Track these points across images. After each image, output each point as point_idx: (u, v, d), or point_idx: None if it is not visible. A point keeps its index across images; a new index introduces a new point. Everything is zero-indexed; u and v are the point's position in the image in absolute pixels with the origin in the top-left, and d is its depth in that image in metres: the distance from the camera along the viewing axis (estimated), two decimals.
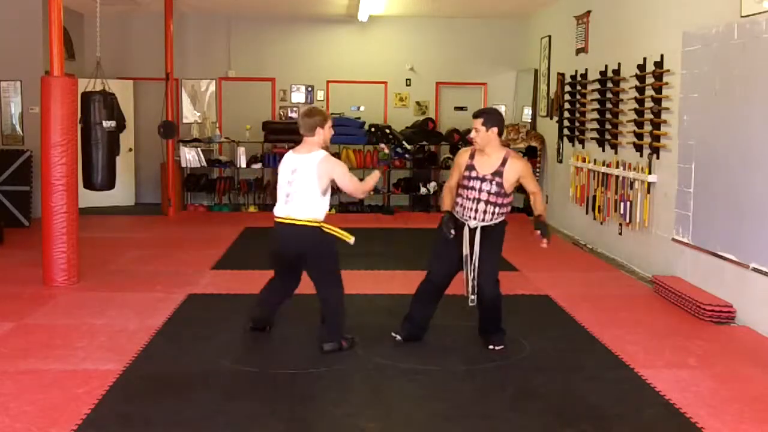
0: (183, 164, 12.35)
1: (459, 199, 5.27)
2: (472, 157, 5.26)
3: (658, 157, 7.60)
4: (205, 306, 6.50)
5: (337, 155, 11.88)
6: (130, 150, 12.66)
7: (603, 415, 4.26)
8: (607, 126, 8.99)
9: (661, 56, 7.49)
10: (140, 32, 12.71)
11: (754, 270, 5.84)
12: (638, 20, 8.28)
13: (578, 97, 10.09)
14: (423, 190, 12.71)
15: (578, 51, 10.17)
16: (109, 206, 12.23)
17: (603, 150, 9.11)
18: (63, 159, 6.84)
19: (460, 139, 12.26)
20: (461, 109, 13.28)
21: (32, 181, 10.35)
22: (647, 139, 7.80)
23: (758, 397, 4.55)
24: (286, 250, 5.20)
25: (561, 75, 10.85)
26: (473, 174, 5.19)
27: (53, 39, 6.90)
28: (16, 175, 10.40)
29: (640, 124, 8.00)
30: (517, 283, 7.29)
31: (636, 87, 8.08)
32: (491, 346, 5.32)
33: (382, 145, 5.82)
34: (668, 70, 7.36)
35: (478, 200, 5.16)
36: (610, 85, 8.91)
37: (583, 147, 9.87)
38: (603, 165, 8.95)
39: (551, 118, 11.41)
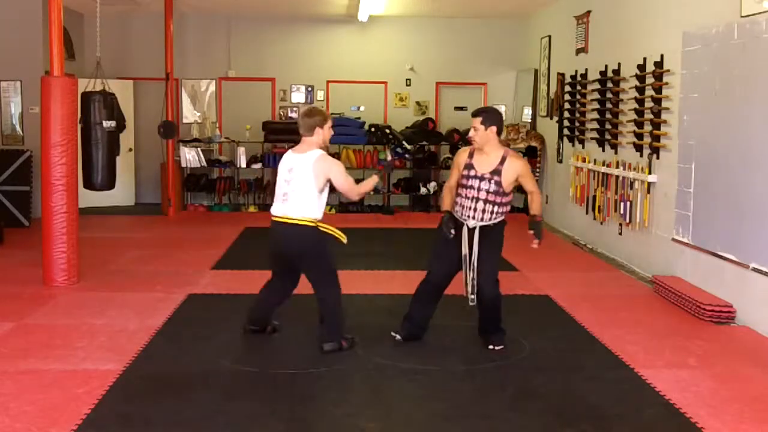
0: (183, 164, 12.35)
1: (458, 199, 5.27)
2: (471, 156, 5.26)
3: (658, 157, 7.60)
4: (205, 306, 6.50)
5: (336, 155, 11.92)
6: (130, 150, 12.66)
7: (603, 415, 4.26)
8: (607, 126, 8.99)
9: (661, 56, 7.49)
10: (140, 32, 12.71)
11: (754, 270, 5.84)
12: (638, 20, 8.28)
13: (578, 97, 10.09)
14: (423, 190, 12.71)
15: (578, 51, 10.17)
16: (109, 206, 12.23)
17: (603, 150, 9.11)
18: (63, 159, 6.84)
19: (460, 139, 12.26)
20: (461, 109, 13.28)
21: (32, 181, 10.35)
22: (647, 139, 7.81)
23: (758, 397, 4.55)
24: (283, 249, 5.21)
25: (561, 75, 10.85)
26: (472, 173, 5.20)
27: (53, 39, 6.90)
28: (16, 175, 10.40)
29: (640, 124, 8.00)
30: (517, 283, 7.29)
31: (636, 87, 8.08)
32: (491, 346, 5.32)
33: (389, 157, 5.82)
34: (668, 70, 7.36)
35: (477, 199, 5.16)
36: (610, 85, 8.91)
37: (583, 147, 9.87)
38: (603, 165, 8.95)
39: (551, 118, 11.41)
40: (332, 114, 12.83)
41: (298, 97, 13.28)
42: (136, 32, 12.77)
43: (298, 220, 5.05)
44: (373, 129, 12.69)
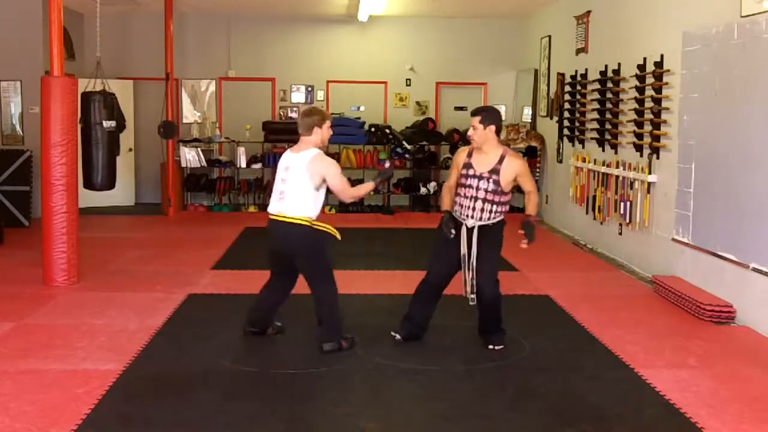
0: (183, 164, 12.35)
1: (457, 198, 5.28)
2: (470, 155, 5.27)
3: (658, 157, 7.61)
4: (205, 306, 6.50)
5: (337, 155, 11.93)
6: (130, 150, 12.66)
7: (603, 415, 4.26)
8: (607, 126, 8.99)
9: (661, 56, 7.49)
10: (140, 32, 12.71)
11: (754, 270, 5.84)
12: (638, 20, 8.28)
13: (578, 97, 10.09)
14: (423, 190, 12.71)
15: (578, 51, 10.17)
16: (109, 206, 12.23)
17: (603, 150, 9.11)
18: (63, 159, 6.84)
19: (460, 139, 12.26)
20: (461, 109, 13.28)
21: (32, 181, 10.35)
22: (647, 139, 7.81)
23: (758, 397, 4.55)
24: (278, 248, 5.23)
25: (561, 75, 10.85)
26: (471, 172, 5.20)
27: (53, 39, 6.90)
28: (16, 175, 10.40)
29: (640, 124, 8.00)
30: (517, 283, 7.29)
31: (636, 87, 8.08)
32: (491, 346, 5.32)
33: (387, 164, 5.78)
34: (668, 70, 7.36)
35: (476, 198, 5.16)
36: (610, 85, 8.91)
37: (583, 147, 9.87)
38: (603, 165, 8.95)
39: (551, 118, 11.42)
40: (332, 114, 12.85)
41: (298, 97, 13.28)
42: (136, 32, 12.77)
43: (293, 218, 5.06)
44: (373, 129, 12.70)
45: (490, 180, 5.14)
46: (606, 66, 9.02)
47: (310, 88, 13.29)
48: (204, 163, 12.50)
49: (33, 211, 10.19)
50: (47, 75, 7.05)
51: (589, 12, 9.83)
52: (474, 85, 13.44)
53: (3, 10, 10.73)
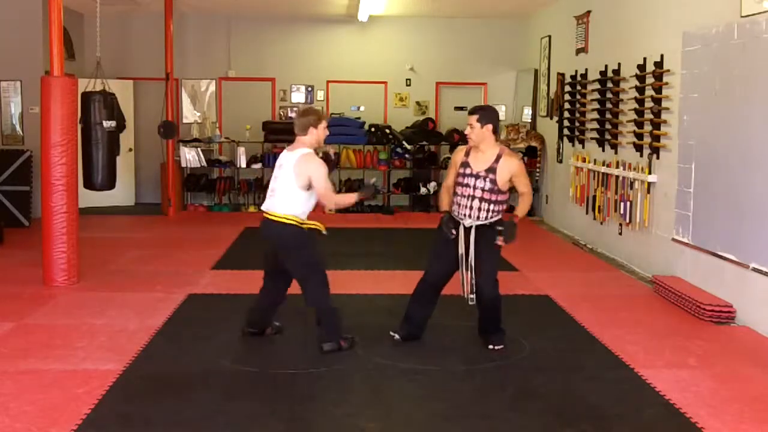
0: (183, 164, 12.35)
1: (455, 198, 5.28)
2: (467, 154, 5.27)
3: (658, 157, 7.61)
4: (205, 306, 6.50)
5: (337, 155, 11.92)
6: (130, 150, 12.66)
7: (603, 415, 4.26)
8: (607, 126, 8.99)
9: (661, 56, 7.49)
10: (140, 32, 12.71)
11: (754, 270, 5.84)
12: (638, 20, 8.28)
13: (578, 97, 10.09)
14: (423, 190, 12.71)
15: (578, 51, 10.17)
16: (109, 206, 12.23)
17: (603, 150, 9.11)
18: (63, 159, 6.84)
19: (460, 139, 12.25)
20: (461, 109, 13.28)
21: (32, 181, 10.35)
22: (647, 139, 7.81)
23: (758, 397, 4.55)
24: (269, 245, 5.25)
25: (561, 75, 10.85)
26: (468, 171, 5.20)
27: (53, 39, 6.90)
28: (16, 175, 10.40)
29: (640, 124, 8.00)
30: (517, 283, 7.29)
31: (636, 87, 8.08)
32: (491, 346, 5.32)
33: (372, 180, 5.75)
34: (668, 70, 7.36)
35: (473, 197, 5.16)
36: (610, 85, 8.91)
37: (583, 147, 9.87)
38: (603, 165, 8.95)
39: (551, 118, 11.42)
40: (332, 114, 12.88)
41: (298, 97, 13.28)
42: (136, 32, 12.77)
43: (280, 216, 5.07)
44: (373, 129, 12.69)
45: (487, 179, 5.13)
46: (606, 66, 9.02)
47: (310, 88, 13.29)
48: (204, 163, 12.50)
49: (33, 211, 10.19)
50: (47, 75, 7.05)
51: (589, 12, 9.83)
52: (474, 85, 13.44)
53: (3, 10, 10.73)
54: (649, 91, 7.76)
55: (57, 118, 6.82)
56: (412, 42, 13.32)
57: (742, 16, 6.04)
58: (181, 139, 12.49)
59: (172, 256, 8.58)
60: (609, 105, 8.94)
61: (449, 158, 12.32)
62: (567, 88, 10.56)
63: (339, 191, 12.60)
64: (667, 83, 7.40)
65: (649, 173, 7.71)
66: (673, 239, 7.11)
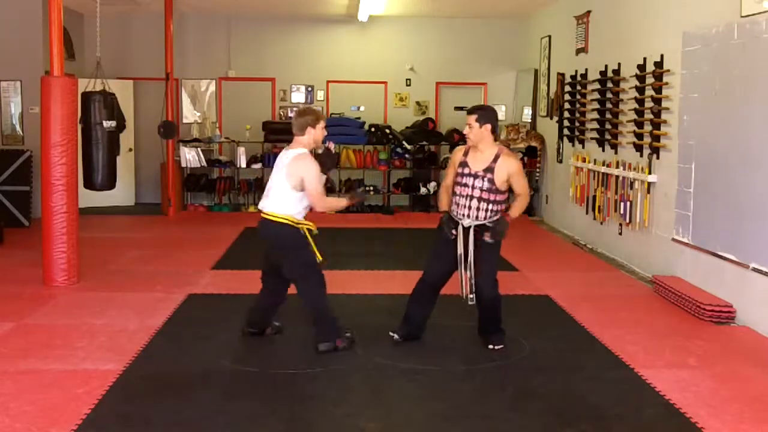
0: (183, 164, 12.35)
1: (454, 198, 5.28)
2: (465, 154, 5.28)
3: (658, 157, 7.61)
4: (205, 306, 6.50)
5: (337, 155, 11.91)
6: (130, 150, 12.66)
7: (603, 415, 4.26)
8: (607, 126, 9.00)
9: (661, 56, 7.49)
10: (140, 32, 12.71)
11: (754, 270, 5.84)
12: (638, 20, 8.28)
13: (578, 97, 10.09)
14: (423, 190, 12.71)
15: (578, 51, 10.17)
16: (109, 206, 12.23)
17: (603, 150, 9.11)
18: (63, 159, 6.84)
19: (460, 139, 12.25)
20: (461, 109, 13.27)
21: (32, 181, 10.35)
22: (647, 139, 7.81)
23: (758, 397, 4.55)
24: (266, 244, 5.26)
25: (561, 75, 10.85)
26: (466, 171, 5.21)
27: (53, 39, 6.90)
28: (16, 175, 10.40)
29: (640, 124, 8.00)
30: (517, 283, 7.29)
31: (636, 87, 8.08)
32: (491, 346, 5.32)
33: (361, 188, 5.71)
34: (668, 70, 7.36)
35: (471, 197, 5.16)
36: (610, 85, 8.91)
37: (583, 147, 9.87)
38: (603, 165, 8.95)
39: (551, 118, 11.42)
40: (332, 114, 12.88)
41: (298, 97, 13.28)
42: (136, 32, 12.77)
43: (274, 215, 5.08)
44: (373, 129, 12.70)
45: (485, 178, 5.13)
46: (606, 66, 9.02)
47: (310, 88, 13.29)
48: (204, 163, 12.50)
49: (33, 211, 10.19)
50: (47, 75, 7.05)
51: (589, 12, 9.83)
52: (474, 85, 13.44)
53: (3, 10, 10.73)
54: (649, 91, 7.76)
55: (57, 118, 6.82)
56: (412, 42, 13.32)
57: (742, 16, 6.04)
58: (181, 139, 12.50)
59: (172, 256, 8.58)
60: (609, 105, 8.94)
61: (449, 158, 12.42)
62: (567, 88, 10.56)
63: (339, 191, 12.66)
64: (667, 83, 7.40)
65: (649, 173, 7.71)
66: (673, 239, 7.11)
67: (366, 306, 6.55)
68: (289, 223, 5.06)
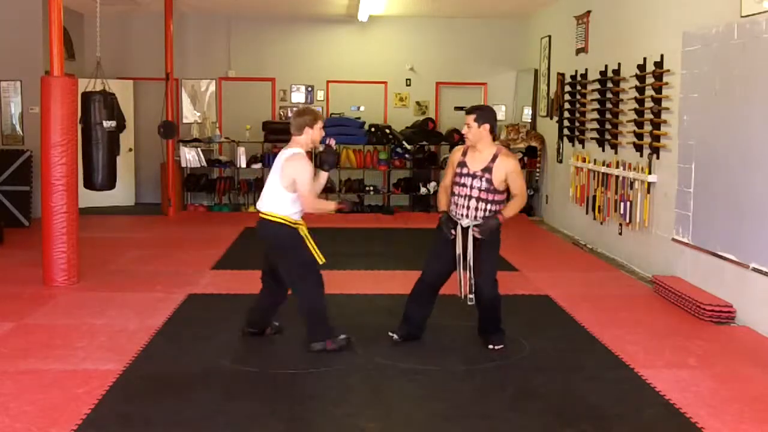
0: (183, 164, 12.35)
1: (453, 197, 5.28)
2: (464, 154, 5.28)
3: (658, 157, 7.61)
4: (205, 306, 6.50)
5: (337, 155, 11.92)
6: (130, 150, 12.66)
7: (603, 415, 4.26)
8: (607, 126, 9.00)
9: (661, 56, 7.49)
10: (140, 32, 12.71)
11: (754, 270, 5.84)
12: (638, 20, 8.28)
13: (578, 97, 10.09)
14: (423, 190, 12.71)
15: (578, 51, 10.17)
16: (109, 206, 12.23)
17: (603, 150, 9.11)
18: (63, 159, 6.84)
19: (459, 139, 12.24)
20: (461, 109, 13.25)
21: (32, 181, 10.35)
22: (647, 139, 7.81)
23: (758, 397, 4.55)
24: (263, 243, 5.27)
25: (561, 75, 10.85)
26: (465, 171, 5.21)
27: (53, 39, 6.90)
28: (16, 175, 10.40)
29: (640, 124, 8.00)
30: (517, 283, 7.29)
31: (636, 87, 8.08)
32: (491, 346, 5.32)
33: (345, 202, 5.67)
34: (668, 70, 7.36)
35: (470, 197, 5.16)
36: (610, 85, 8.91)
37: (583, 147, 9.87)
38: (603, 165, 8.95)
39: (551, 118, 11.42)
40: (332, 114, 12.88)
41: (298, 97, 13.28)
42: (136, 32, 12.77)
43: (266, 214, 5.11)
44: (373, 129, 12.70)
45: (483, 178, 5.13)
46: (606, 66, 9.02)
47: (310, 88, 13.29)
48: (204, 163, 12.50)
49: (33, 211, 10.19)
50: (47, 75, 7.05)
51: (589, 12, 9.83)
52: (474, 85, 13.44)
53: (3, 10, 10.73)
54: (649, 91, 7.76)
55: (57, 118, 6.82)
56: (412, 42, 13.32)
57: (742, 16, 6.04)
58: (181, 139, 12.49)
59: (172, 256, 8.58)
60: (609, 105, 8.94)
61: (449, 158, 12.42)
62: (567, 88, 10.56)
63: (339, 191, 12.66)
64: (667, 83, 7.40)
65: (649, 173, 7.71)
66: (673, 239, 7.11)
67: (366, 306, 6.55)
68: (287, 223, 5.07)
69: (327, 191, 12.15)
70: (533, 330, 5.81)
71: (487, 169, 5.14)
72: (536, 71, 12.25)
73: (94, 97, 7.65)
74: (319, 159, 5.20)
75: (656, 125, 7.60)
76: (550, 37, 11.62)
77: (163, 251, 8.87)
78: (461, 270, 5.20)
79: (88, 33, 12.07)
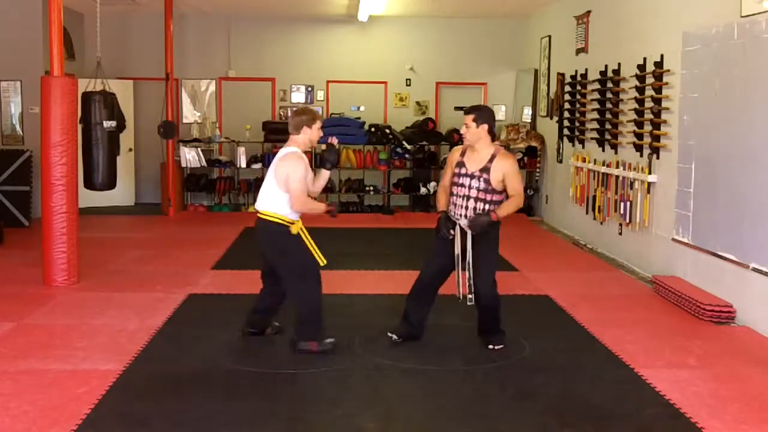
0: (183, 164, 12.34)
1: (451, 197, 5.28)
2: (463, 154, 5.28)
3: (658, 157, 7.61)
4: (205, 306, 6.50)
5: (337, 155, 11.92)
6: (130, 150, 12.66)
7: (603, 415, 4.26)
8: (607, 126, 9.00)
9: (661, 56, 7.49)
10: (140, 32, 12.71)
11: (754, 270, 5.84)
12: (638, 20, 8.28)
13: (578, 97, 10.09)
14: (423, 190, 12.71)
15: (578, 51, 10.17)
16: (109, 206, 12.23)
17: (603, 150, 9.11)
18: (63, 159, 6.84)
19: (459, 139, 12.22)
20: (461, 109, 13.25)
21: (32, 181, 10.35)
22: (647, 139, 7.81)
23: (758, 397, 4.55)
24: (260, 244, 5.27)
25: (561, 75, 10.86)
26: (463, 171, 5.21)
27: (53, 39, 6.90)
28: (16, 175, 10.40)
29: (640, 124, 8.00)
30: (517, 283, 7.29)
31: (636, 87, 8.08)
32: (491, 346, 5.32)
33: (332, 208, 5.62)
34: (668, 70, 7.36)
35: (468, 197, 5.16)
36: (610, 85, 8.91)
37: (583, 147, 9.87)
38: (603, 165, 8.95)
39: (551, 118, 11.42)
40: (332, 114, 12.88)
41: (298, 97, 13.28)
42: (136, 32, 12.77)
43: (262, 213, 5.11)
44: (373, 129, 12.70)
45: (481, 179, 5.14)
46: (606, 66, 9.02)
47: (310, 88, 13.29)
48: (204, 163, 12.50)
49: (33, 211, 10.19)
50: (47, 75, 7.05)
51: (589, 12, 9.83)
52: (474, 85, 13.44)
53: (3, 10, 10.74)
54: (649, 91, 7.76)
55: (57, 118, 6.82)
56: (412, 42, 13.32)
57: (742, 16, 6.04)
58: (181, 139, 12.49)
59: (172, 256, 8.58)
60: (609, 105, 8.94)
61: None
62: (567, 88, 10.56)
63: (339, 191, 12.66)
64: (667, 83, 7.40)
65: (649, 173, 7.71)
66: (673, 239, 7.11)
67: (366, 306, 6.54)
68: (284, 222, 5.07)
69: (327, 191, 12.16)
70: (533, 330, 5.81)
71: (485, 170, 5.14)
72: (536, 71, 12.25)
73: (94, 97, 7.66)
74: (320, 158, 5.20)
75: (656, 125, 7.60)
76: (550, 37, 11.62)
77: (163, 251, 8.86)
78: (460, 270, 5.20)
79: (88, 33, 12.08)
